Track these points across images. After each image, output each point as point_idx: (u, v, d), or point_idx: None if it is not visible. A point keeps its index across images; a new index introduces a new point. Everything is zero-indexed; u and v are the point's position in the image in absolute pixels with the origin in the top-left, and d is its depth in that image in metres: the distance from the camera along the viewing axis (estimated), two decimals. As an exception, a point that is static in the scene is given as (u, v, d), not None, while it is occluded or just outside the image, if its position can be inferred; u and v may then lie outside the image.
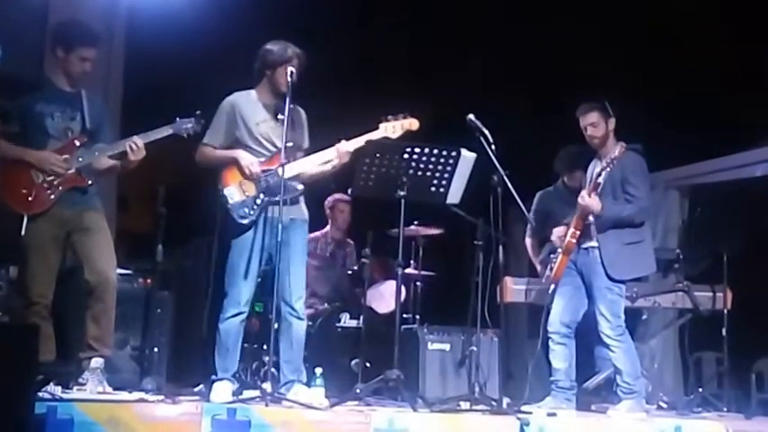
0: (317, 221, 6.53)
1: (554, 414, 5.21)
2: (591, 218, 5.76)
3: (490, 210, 5.59)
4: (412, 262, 7.23)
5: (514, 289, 6.67)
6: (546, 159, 6.81)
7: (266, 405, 4.66)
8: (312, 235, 6.66)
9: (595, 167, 5.84)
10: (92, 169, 5.20)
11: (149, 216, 6.49)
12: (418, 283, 7.23)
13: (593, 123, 5.83)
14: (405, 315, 6.99)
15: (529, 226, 6.74)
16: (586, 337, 5.98)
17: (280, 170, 5.07)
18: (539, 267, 6.54)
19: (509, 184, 5.60)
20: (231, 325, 5.20)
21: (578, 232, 5.79)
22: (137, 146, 5.10)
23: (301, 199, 5.37)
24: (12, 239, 5.04)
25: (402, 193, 5.25)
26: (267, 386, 5.04)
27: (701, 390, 6.85)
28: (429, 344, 6.40)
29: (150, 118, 5.34)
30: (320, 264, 7.45)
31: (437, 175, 5.31)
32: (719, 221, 7.40)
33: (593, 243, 5.79)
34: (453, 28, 8.12)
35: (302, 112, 5.44)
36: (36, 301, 5.03)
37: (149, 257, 6.04)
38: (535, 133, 7.55)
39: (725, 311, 6.73)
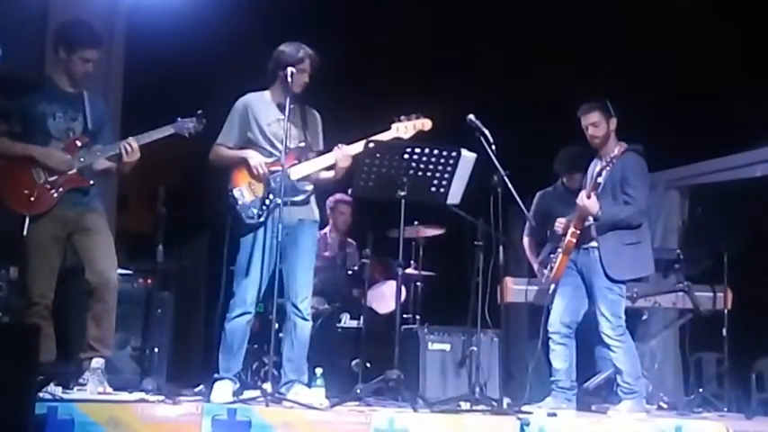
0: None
1: (554, 414, 5.20)
2: (590, 219, 5.77)
3: (490, 210, 5.59)
4: (412, 262, 7.23)
5: (515, 289, 6.66)
6: (546, 159, 6.81)
7: (267, 405, 4.66)
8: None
9: (596, 167, 5.84)
10: (92, 170, 5.20)
11: (149, 216, 6.49)
12: (418, 284, 7.23)
13: (595, 123, 5.82)
14: (405, 315, 7.00)
15: (527, 225, 6.75)
16: (587, 337, 5.97)
17: (286, 171, 5.07)
18: (536, 267, 6.56)
19: (509, 184, 5.60)
20: (237, 325, 5.19)
21: (578, 232, 5.78)
22: (131, 147, 5.08)
23: (311, 200, 5.36)
24: (13, 239, 5.04)
25: (402, 194, 5.23)
26: (267, 386, 5.03)
27: (701, 390, 6.84)
28: (429, 344, 6.41)
29: (150, 118, 5.33)
30: (321, 264, 7.44)
31: (437, 175, 5.30)
32: (719, 221, 7.39)
33: (593, 243, 5.78)
34: (453, 28, 8.11)
35: (316, 113, 5.43)
36: (37, 301, 5.02)
37: (150, 258, 6.04)
38: (535, 133, 7.54)
39: (725, 311, 6.72)
